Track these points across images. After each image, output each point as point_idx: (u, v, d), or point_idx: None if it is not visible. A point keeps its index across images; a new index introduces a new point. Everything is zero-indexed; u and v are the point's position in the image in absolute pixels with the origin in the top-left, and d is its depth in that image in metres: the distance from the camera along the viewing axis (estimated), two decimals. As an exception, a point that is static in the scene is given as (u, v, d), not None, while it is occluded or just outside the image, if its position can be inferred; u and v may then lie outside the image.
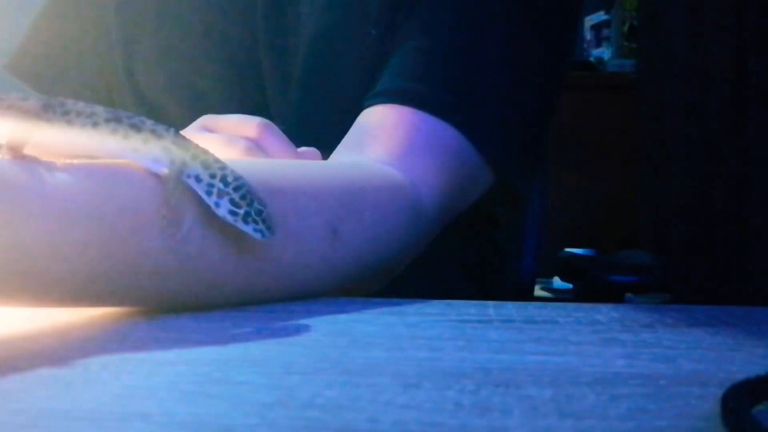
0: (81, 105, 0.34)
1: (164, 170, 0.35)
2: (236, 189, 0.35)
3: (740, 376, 0.24)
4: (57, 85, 0.70)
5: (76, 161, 0.35)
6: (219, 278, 0.38)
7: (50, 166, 0.33)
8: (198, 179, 0.35)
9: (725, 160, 1.69)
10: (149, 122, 0.35)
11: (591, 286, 1.67)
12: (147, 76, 0.67)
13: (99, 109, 0.34)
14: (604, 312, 0.40)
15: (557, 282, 1.87)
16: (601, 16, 2.52)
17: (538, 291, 1.85)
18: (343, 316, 0.38)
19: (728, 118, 1.68)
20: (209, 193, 0.35)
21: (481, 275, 0.70)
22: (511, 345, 0.32)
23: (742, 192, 1.65)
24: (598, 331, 0.35)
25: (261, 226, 0.36)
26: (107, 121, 0.34)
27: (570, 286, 1.80)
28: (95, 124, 0.34)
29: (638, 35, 2.22)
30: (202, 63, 0.65)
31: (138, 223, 0.34)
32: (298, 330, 0.35)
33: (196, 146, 0.36)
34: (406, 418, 0.22)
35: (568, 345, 0.32)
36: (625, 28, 2.47)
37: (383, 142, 0.53)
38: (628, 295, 1.67)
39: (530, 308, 0.41)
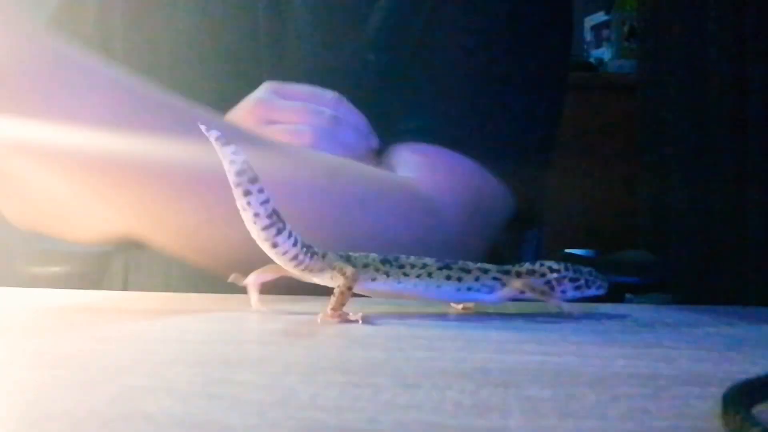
0: (413, 258, 0.39)
1: None
2: (567, 269, 0.40)
3: (740, 376, 0.24)
4: None
5: None
6: None
7: None
8: (548, 280, 0.40)
9: (725, 160, 1.69)
10: (473, 264, 0.39)
11: (591, 287, 1.67)
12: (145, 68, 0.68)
13: (429, 260, 0.39)
14: (604, 312, 0.40)
15: (557, 282, 1.87)
16: (601, 16, 2.52)
17: (538, 291, 1.85)
18: (343, 316, 0.38)
19: (728, 118, 1.68)
20: (551, 290, 0.40)
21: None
22: (511, 345, 0.32)
23: (742, 192, 1.65)
24: (598, 331, 0.35)
25: (599, 282, 0.40)
26: (440, 269, 0.39)
27: (570, 286, 1.80)
28: (429, 274, 0.38)
29: (638, 36, 2.22)
30: (202, 64, 0.66)
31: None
32: (298, 330, 0.35)
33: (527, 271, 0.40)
34: (406, 418, 0.22)
35: (568, 345, 0.32)
36: (625, 28, 2.46)
37: (410, 170, 0.58)
38: (629, 295, 1.67)
39: (530, 308, 0.41)
